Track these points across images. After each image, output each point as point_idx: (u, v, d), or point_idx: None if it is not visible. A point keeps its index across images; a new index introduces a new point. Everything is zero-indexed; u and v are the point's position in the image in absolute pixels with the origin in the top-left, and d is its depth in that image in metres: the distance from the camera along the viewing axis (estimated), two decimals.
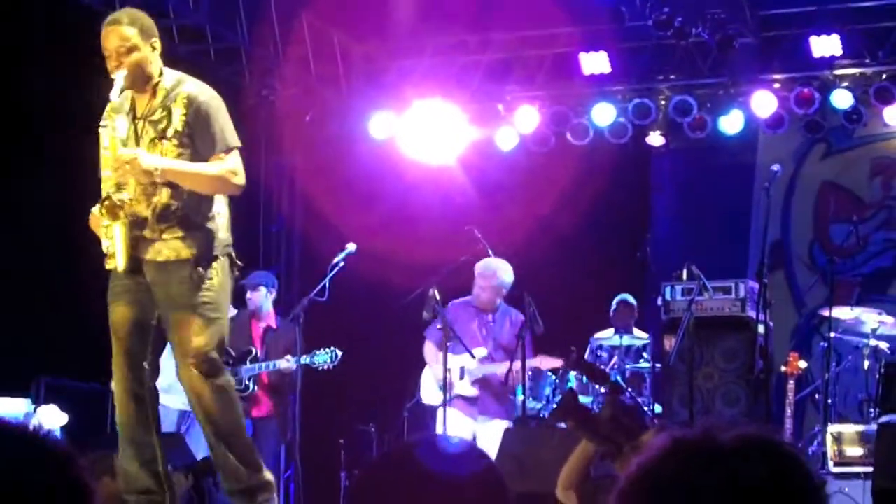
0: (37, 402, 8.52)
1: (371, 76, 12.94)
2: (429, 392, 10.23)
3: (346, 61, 12.76)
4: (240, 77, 11.97)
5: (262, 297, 10.37)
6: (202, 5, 11.03)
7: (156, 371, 6.17)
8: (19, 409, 8.18)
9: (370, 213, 12.01)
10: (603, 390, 10.16)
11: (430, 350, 10.15)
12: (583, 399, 9.94)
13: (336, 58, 12.64)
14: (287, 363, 9.88)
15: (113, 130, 6.06)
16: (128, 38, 6.00)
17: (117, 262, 5.97)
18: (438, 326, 9.89)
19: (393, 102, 12.80)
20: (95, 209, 6.03)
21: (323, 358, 9.70)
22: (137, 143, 6.05)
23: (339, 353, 9.76)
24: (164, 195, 6.01)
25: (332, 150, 12.79)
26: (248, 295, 10.33)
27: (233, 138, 6.12)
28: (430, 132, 12.65)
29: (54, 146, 6.10)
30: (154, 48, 6.10)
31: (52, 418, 8.24)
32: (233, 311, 10.20)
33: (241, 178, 6.11)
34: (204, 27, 11.37)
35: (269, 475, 6.22)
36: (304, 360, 9.82)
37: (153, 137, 6.04)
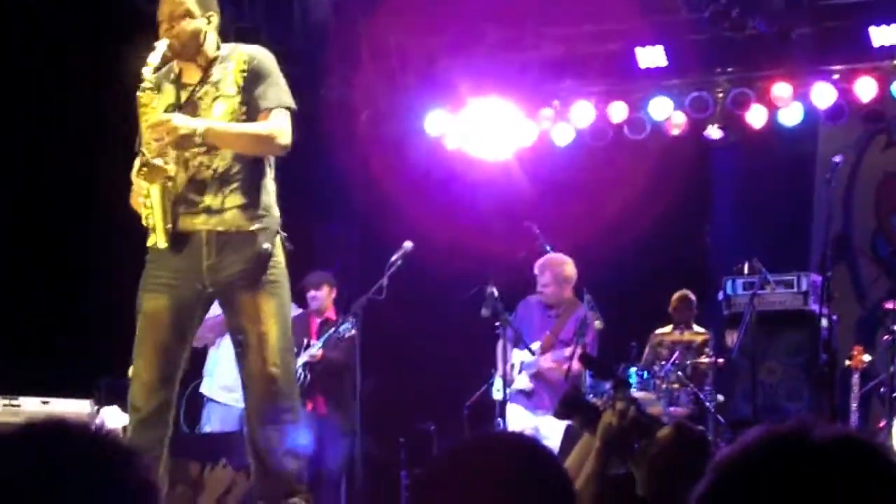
0: (99, 402, 8.54)
1: (426, 74, 12.90)
2: (497, 388, 10.24)
3: (401, 59, 12.73)
4: (295, 77, 11.94)
5: (325, 296, 10.43)
6: (257, 6, 11.05)
7: (184, 365, 6.05)
8: (82, 410, 8.21)
9: (427, 212, 11.96)
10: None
11: (499, 347, 10.16)
12: (642, 395, 9.90)
13: (391, 56, 12.62)
14: (314, 348, 9.91)
15: (156, 94, 5.91)
16: (182, 2, 5.91)
17: (158, 236, 5.81)
18: (497, 323, 9.88)
19: (448, 99, 12.75)
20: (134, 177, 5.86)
21: (345, 326, 9.69)
22: (180, 109, 5.92)
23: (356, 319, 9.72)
24: (226, 157, 5.89)
25: (388, 148, 12.77)
26: (312, 293, 10.40)
27: (286, 97, 6.03)
28: (486, 129, 12.60)
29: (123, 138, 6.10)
30: (210, 21, 6.00)
31: (114, 419, 8.26)
32: (296, 311, 10.29)
33: (286, 139, 5.97)
34: (259, 28, 11.38)
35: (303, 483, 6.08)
36: (329, 333, 9.85)
37: (214, 97, 5.93)
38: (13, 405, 8.16)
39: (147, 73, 5.85)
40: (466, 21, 12.13)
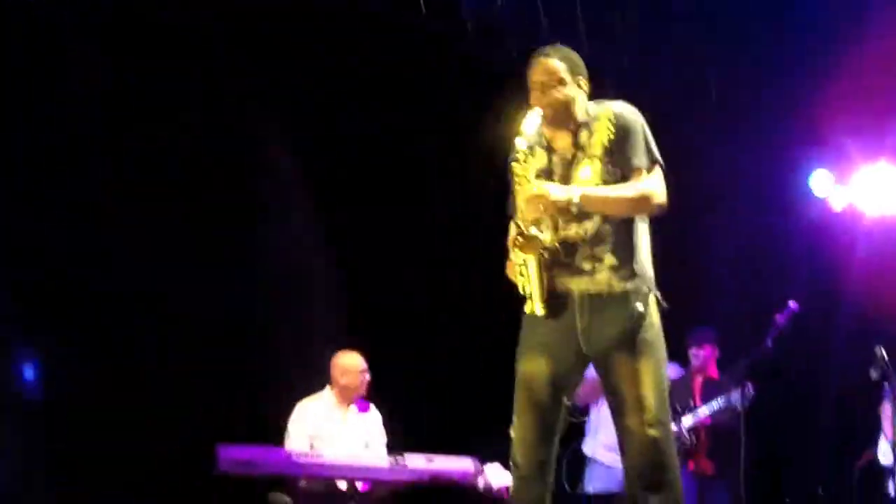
0: (482, 460, 8.64)
1: (813, 132, 12.45)
2: (884, 452, 10.00)
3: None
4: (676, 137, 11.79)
5: (707, 354, 10.43)
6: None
7: (563, 424, 6.04)
8: (466, 468, 8.34)
9: (808, 271, 11.70)
10: None
11: (884, 409, 9.90)
12: None
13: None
14: (706, 409, 9.96)
15: (528, 164, 5.94)
16: (555, 71, 5.97)
17: (535, 305, 5.86)
18: (884, 384, 9.61)
19: (835, 162, 12.28)
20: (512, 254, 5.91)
21: (736, 398, 9.55)
22: (551, 177, 5.97)
23: (752, 390, 9.57)
24: (595, 219, 5.89)
25: (770, 207, 12.47)
26: (693, 350, 10.40)
27: (655, 154, 5.96)
28: (874, 191, 12.04)
29: None
30: (580, 87, 6.03)
31: (498, 477, 8.28)
32: (678, 371, 10.23)
33: (660, 198, 5.90)
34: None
35: None
36: (719, 401, 9.83)
37: (582, 161, 5.95)
38: (399, 463, 8.45)
39: (520, 143, 5.92)
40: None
